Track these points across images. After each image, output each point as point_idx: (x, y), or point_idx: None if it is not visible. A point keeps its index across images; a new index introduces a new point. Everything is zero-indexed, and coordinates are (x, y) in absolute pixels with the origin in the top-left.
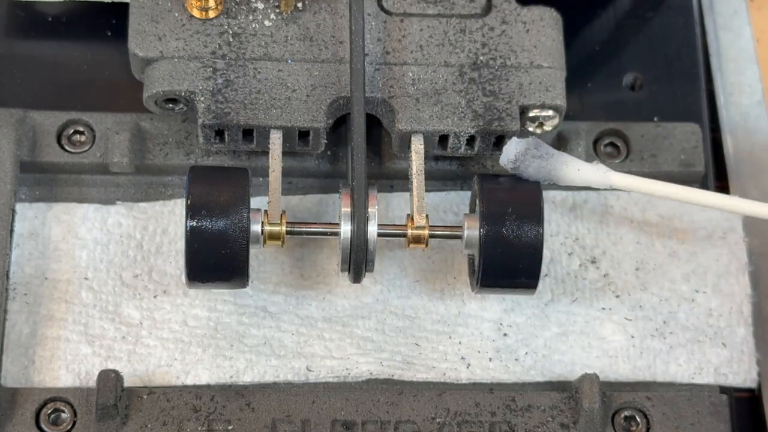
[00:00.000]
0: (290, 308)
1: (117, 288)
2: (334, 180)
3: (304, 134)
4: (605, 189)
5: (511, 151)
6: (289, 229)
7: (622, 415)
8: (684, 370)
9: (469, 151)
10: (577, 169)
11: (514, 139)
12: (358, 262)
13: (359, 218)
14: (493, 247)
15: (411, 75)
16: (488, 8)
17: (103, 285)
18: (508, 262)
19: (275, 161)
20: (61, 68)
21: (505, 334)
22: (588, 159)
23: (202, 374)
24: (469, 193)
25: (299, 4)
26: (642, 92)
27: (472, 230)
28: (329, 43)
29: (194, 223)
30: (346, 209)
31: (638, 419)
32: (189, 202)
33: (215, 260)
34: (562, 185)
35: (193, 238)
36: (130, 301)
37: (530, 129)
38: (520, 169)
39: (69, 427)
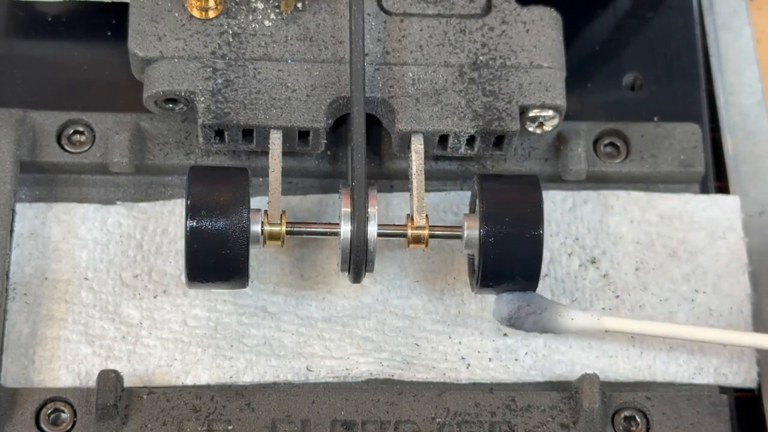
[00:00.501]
0: (290, 308)
1: (117, 288)
2: (334, 180)
3: (304, 134)
4: (598, 334)
5: (504, 310)
6: (289, 229)
7: (622, 415)
8: (684, 370)
9: (469, 151)
10: (570, 318)
11: (505, 296)
12: (358, 262)
13: (359, 218)
14: (493, 247)
15: (411, 75)
16: (488, 8)
17: (103, 285)
18: (508, 262)
19: (275, 161)
20: (61, 68)
21: (505, 334)
22: (588, 159)
23: (202, 374)
24: (469, 193)
25: (299, 4)
26: (642, 92)
27: (471, 230)
28: (329, 43)
29: (194, 223)
30: (346, 209)
31: (638, 419)
32: (189, 202)
33: (215, 260)
34: (558, 334)
35: (192, 239)
36: (130, 301)
37: (530, 129)
38: (515, 325)
39: (69, 427)
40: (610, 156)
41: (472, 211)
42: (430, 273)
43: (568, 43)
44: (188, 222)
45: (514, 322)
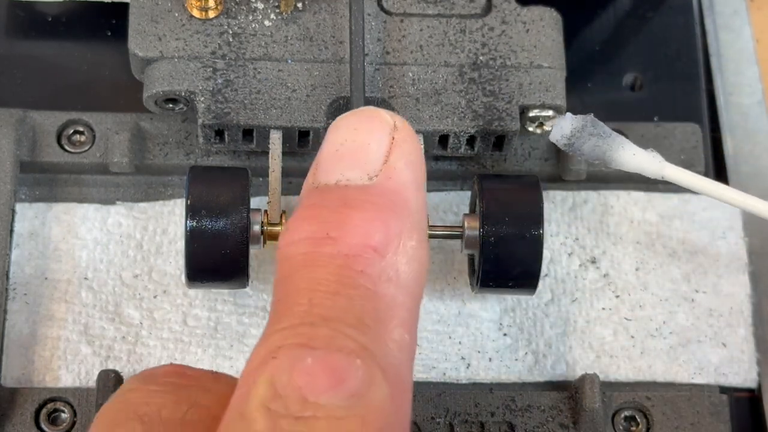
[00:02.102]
0: None
1: (117, 288)
2: None
3: (304, 134)
4: (656, 179)
5: (567, 127)
6: None
7: (622, 415)
8: (684, 370)
9: (469, 151)
10: (632, 153)
11: (569, 114)
12: None
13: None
14: (493, 247)
15: (411, 75)
16: (488, 8)
17: (103, 285)
18: (508, 263)
19: (275, 161)
20: (61, 68)
21: (505, 334)
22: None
23: None
24: (469, 193)
25: (299, 4)
26: (642, 92)
27: (471, 230)
28: (329, 43)
29: (194, 224)
30: None
31: (638, 419)
32: (189, 202)
33: (215, 261)
34: (612, 168)
35: (192, 239)
36: (130, 301)
37: (530, 129)
38: (575, 146)
39: (69, 427)
40: None
41: (472, 211)
42: (430, 273)
43: (568, 43)
44: (188, 222)
45: (575, 141)
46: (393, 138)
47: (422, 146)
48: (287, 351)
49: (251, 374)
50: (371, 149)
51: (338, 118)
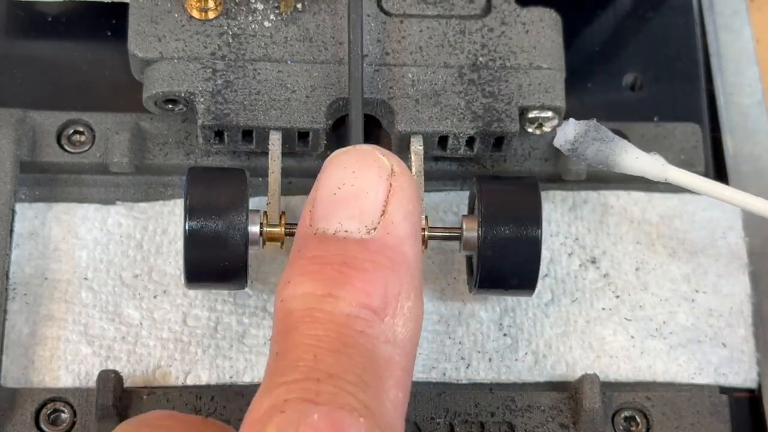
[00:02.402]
0: None
1: (117, 288)
2: None
3: (303, 135)
4: (659, 181)
5: (570, 132)
6: (288, 230)
7: (622, 415)
8: (684, 370)
9: (468, 152)
10: (635, 157)
11: (572, 120)
12: None
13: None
14: (491, 248)
15: (410, 76)
16: (488, 9)
17: (103, 285)
18: (507, 264)
19: (275, 162)
20: (61, 68)
21: (505, 334)
22: None
23: (202, 374)
24: (468, 193)
25: (299, 5)
26: (642, 92)
27: (470, 231)
28: (329, 44)
29: (193, 225)
30: None
31: (638, 419)
32: (187, 203)
33: (214, 262)
34: (615, 171)
35: (191, 240)
36: (130, 301)
37: (530, 130)
38: (578, 152)
39: (69, 427)
40: None
41: (470, 212)
42: (430, 273)
43: (568, 44)
44: (187, 223)
45: (578, 146)
46: (391, 185)
47: (422, 147)
48: (294, 405)
49: (256, 424)
50: (369, 198)
51: (335, 155)
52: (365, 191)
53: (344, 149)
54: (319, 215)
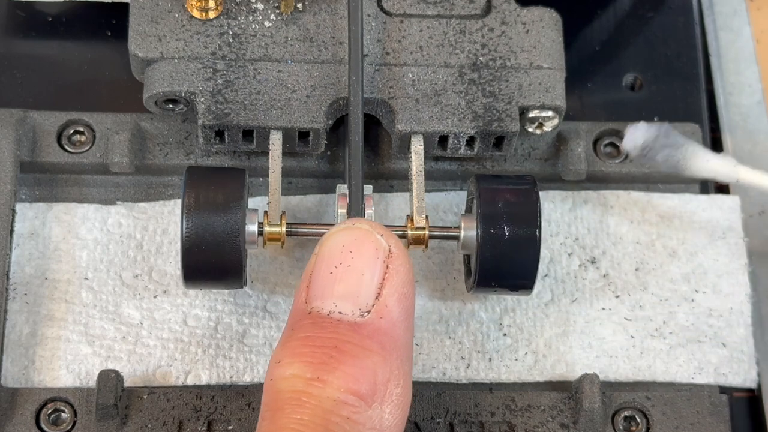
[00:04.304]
0: (290, 308)
1: (117, 288)
2: (333, 180)
3: (303, 135)
4: (730, 182)
5: (639, 137)
6: (288, 230)
7: (622, 415)
8: (684, 370)
9: (468, 152)
10: (706, 160)
11: (642, 124)
12: None
13: (356, 212)
14: (490, 247)
15: (411, 76)
16: (488, 9)
17: (103, 285)
18: (505, 263)
19: (275, 162)
20: (61, 68)
21: (505, 334)
22: (588, 159)
23: (202, 374)
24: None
25: (299, 5)
26: (642, 92)
27: (468, 231)
28: (329, 44)
29: (190, 224)
30: (342, 211)
31: (638, 419)
32: (185, 202)
33: (211, 261)
34: (687, 174)
35: (188, 239)
36: (130, 301)
37: (530, 129)
38: (647, 157)
39: (69, 427)
40: (610, 156)
41: (468, 211)
42: (430, 273)
43: (568, 44)
44: (184, 222)
45: (648, 152)
46: (387, 267)
47: (422, 147)
48: None
49: None
50: (364, 280)
51: (333, 231)
52: (361, 273)
53: (344, 225)
54: (315, 293)
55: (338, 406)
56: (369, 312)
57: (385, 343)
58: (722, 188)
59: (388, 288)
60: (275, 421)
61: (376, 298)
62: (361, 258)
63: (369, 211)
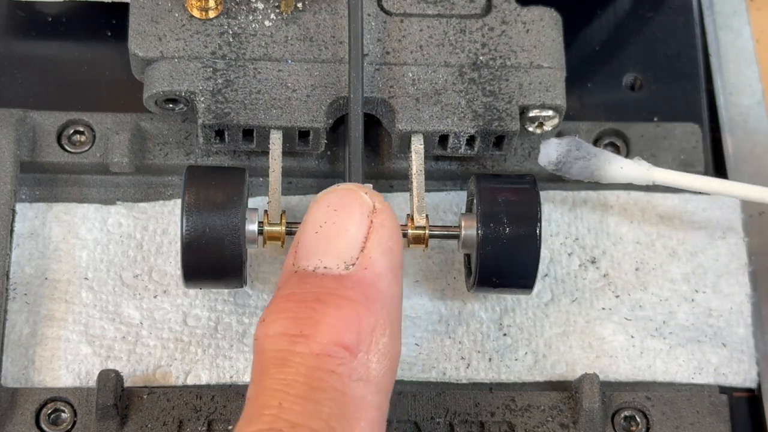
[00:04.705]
0: None
1: (117, 288)
2: (333, 180)
3: (304, 134)
4: (646, 185)
5: (552, 153)
6: (288, 229)
7: (622, 415)
8: (684, 370)
9: (469, 151)
10: (620, 167)
11: (553, 140)
12: None
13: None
14: (490, 247)
15: (411, 75)
16: (488, 8)
17: (103, 285)
18: (505, 262)
19: (275, 161)
20: (61, 68)
21: (505, 334)
22: None
23: (202, 374)
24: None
25: (299, 5)
26: (642, 92)
27: (469, 230)
28: (329, 44)
29: (190, 224)
30: None
31: (638, 419)
32: (185, 202)
33: (211, 261)
34: (603, 183)
35: (189, 239)
36: (130, 301)
37: (530, 129)
38: (563, 170)
39: (69, 427)
40: None
41: (468, 210)
42: (430, 273)
43: (568, 43)
44: (184, 222)
45: (562, 167)
46: (371, 222)
47: (422, 146)
48: None
49: None
50: (349, 234)
51: (319, 195)
52: (345, 228)
53: (329, 189)
54: (301, 254)
55: (322, 360)
56: (353, 265)
57: (370, 293)
58: None
59: (372, 241)
60: (260, 383)
61: (361, 251)
62: (346, 215)
63: None
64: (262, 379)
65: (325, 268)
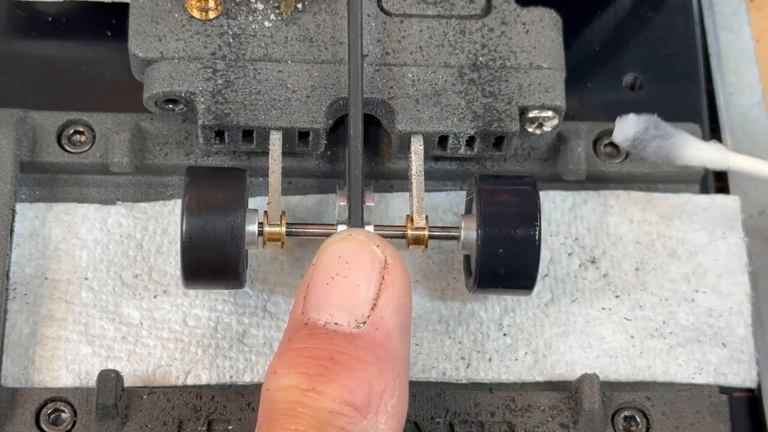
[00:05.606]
0: (290, 308)
1: (117, 288)
2: (333, 180)
3: (303, 135)
4: (721, 170)
5: (629, 130)
6: (288, 230)
7: (622, 415)
8: (684, 370)
9: (468, 152)
10: (696, 148)
11: (632, 116)
12: None
13: (355, 221)
14: (490, 247)
15: (411, 76)
16: (488, 9)
17: (103, 285)
18: (506, 263)
19: (275, 162)
20: (61, 68)
21: (505, 334)
22: (588, 159)
23: (202, 374)
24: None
25: (299, 5)
26: (642, 92)
27: (469, 231)
28: (329, 44)
29: (190, 224)
30: (342, 203)
31: (638, 419)
32: (185, 202)
33: (211, 261)
34: (678, 164)
35: (189, 239)
36: (130, 301)
37: (530, 130)
38: (638, 148)
39: (69, 427)
40: (610, 156)
41: (467, 211)
42: (430, 273)
43: (568, 44)
44: (184, 222)
45: (638, 144)
46: (383, 278)
47: (422, 147)
48: None
49: None
50: (360, 291)
51: (330, 242)
52: (357, 284)
53: (340, 236)
54: (311, 305)
55: (333, 416)
56: (364, 323)
57: (381, 354)
58: (722, 188)
59: (383, 299)
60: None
61: (372, 309)
62: (357, 269)
63: (369, 204)
64: (272, 428)
65: (336, 324)
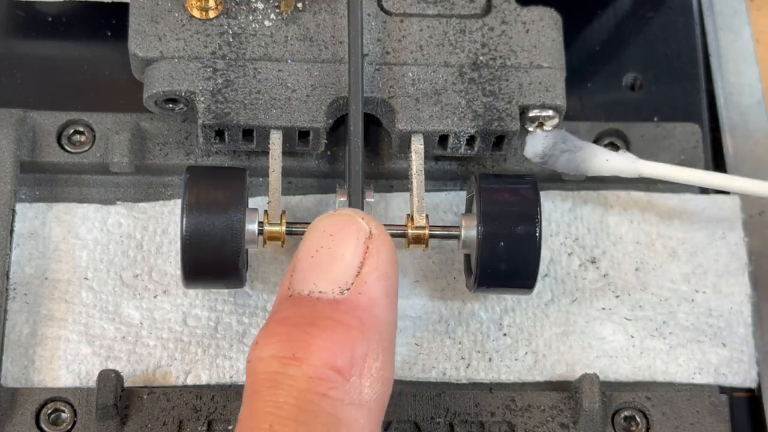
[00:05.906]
0: None
1: (117, 288)
2: (333, 180)
3: (304, 134)
4: (633, 178)
5: (538, 146)
6: (288, 229)
7: (622, 415)
8: (684, 370)
9: (469, 151)
10: (605, 159)
11: (539, 132)
12: None
13: None
14: (491, 247)
15: (411, 75)
16: (488, 8)
17: (103, 285)
18: (506, 262)
19: (275, 161)
20: (61, 68)
21: (505, 334)
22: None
23: (202, 374)
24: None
25: (299, 5)
26: (642, 92)
27: (469, 230)
28: (329, 44)
29: (190, 224)
30: (342, 199)
31: (638, 419)
32: (185, 202)
33: (211, 261)
34: (590, 175)
35: (189, 239)
36: (130, 301)
37: (530, 129)
38: (549, 163)
39: (69, 427)
40: None
41: (468, 211)
42: (431, 273)
43: (568, 43)
44: (184, 222)
45: (548, 159)
46: (367, 247)
47: (422, 146)
48: None
49: None
50: (345, 259)
51: (317, 220)
52: (341, 253)
53: (326, 214)
54: (296, 279)
55: (314, 383)
56: (348, 290)
57: (364, 318)
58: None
59: (368, 266)
60: (252, 405)
61: (356, 276)
62: (342, 240)
63: (369, 201)
64: (253, 401)
65: (320, 292)
